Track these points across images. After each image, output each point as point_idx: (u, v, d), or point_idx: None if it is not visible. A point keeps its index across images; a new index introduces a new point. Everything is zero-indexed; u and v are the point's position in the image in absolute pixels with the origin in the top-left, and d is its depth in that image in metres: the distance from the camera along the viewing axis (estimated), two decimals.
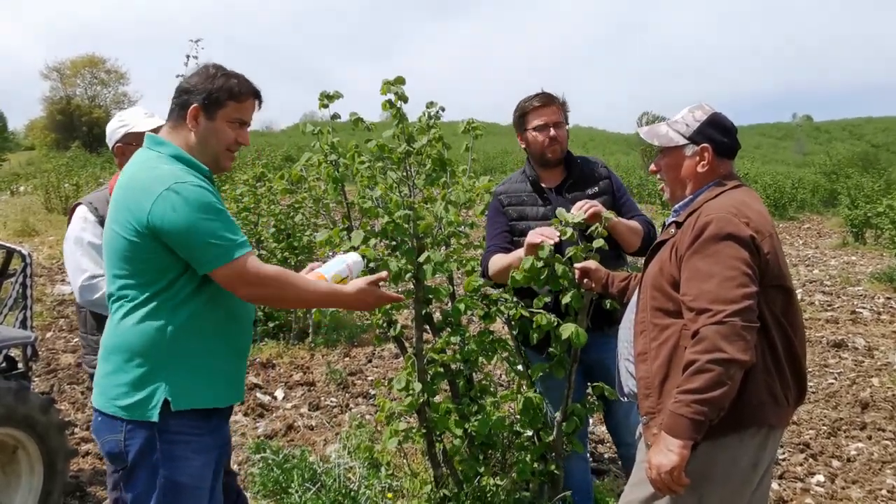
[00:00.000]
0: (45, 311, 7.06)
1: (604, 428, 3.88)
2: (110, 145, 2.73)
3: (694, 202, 2.01)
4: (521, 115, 2.88)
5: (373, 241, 2.72)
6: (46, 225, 12.55)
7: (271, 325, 6.49)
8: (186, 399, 1.85)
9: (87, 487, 3.56)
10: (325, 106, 2.90)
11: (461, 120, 3.16)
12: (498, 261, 2.78)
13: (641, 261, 2.27)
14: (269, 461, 3.48)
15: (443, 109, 2.94)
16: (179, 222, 1.77)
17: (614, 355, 2.27)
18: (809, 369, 5.58)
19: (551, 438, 2.78)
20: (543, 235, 2.46)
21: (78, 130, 38.60)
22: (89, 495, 3.50)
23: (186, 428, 1.86)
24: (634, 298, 2.15)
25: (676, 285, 1.91)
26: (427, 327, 2.90)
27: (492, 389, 3.08)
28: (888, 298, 8.52)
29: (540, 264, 2.45)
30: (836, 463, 4.03)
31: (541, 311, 2.57)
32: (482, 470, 2.91)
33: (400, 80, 2.77)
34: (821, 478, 3.82)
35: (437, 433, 2.89)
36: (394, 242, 2.74)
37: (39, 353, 4.02)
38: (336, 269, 2.09)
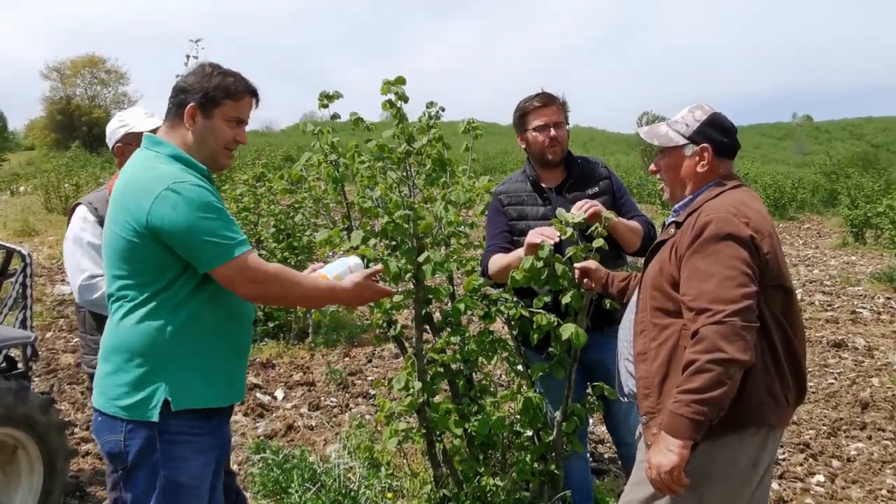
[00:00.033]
0: (45, 311, 7.06)
1: (604, 428, 3.88)
2: (110, 145, 2.73)
3: (694, 202, 2.01)
4: (522, 115, 2.88)
5: (373, 241, 2.72)
6: (46, 225, 12.55)
7: (271, 325, 6.48)
8: (186, 399, 1.85)
9: (87, 487, 3.56)
10: (325, 106, 2.91)
11: (461, 120, 3.16)
12: (498, 260, 2.78)
13: (641, 261, 2.27)
14: (269, 461, 3.48)
15: (443, 109, 2.94)
16: (179, 222, 1.77)
17: (614, 355, 2.27)
18: (809, 369, 5.59)
19: (551, 438, 2.78)
20: (543, 235, 2.46)
21: (78, 130, 38.60)
22: (89, 495, 3.51)
23: (186, 428, 1.86)
24: (634, 298, 2.15)
25: (676, 285, 1.91)
26: (427, 327, 2.90)
27: (492, 389, 3.08)
28: (888, 298, 8.52)
29: (540, 264, 2.45)
30: (836, 463, 4.03)
31: (541, 311, 2.57)
32: (482, 470, 2.91)
33: (400, 80, 2.77)
34: (821, 478, 3.82)
35: (437, 433, 2.89)
36: (394, 242, 2.74)
37: (39, 353, 4.02)
38: (338, 271, 2.10)
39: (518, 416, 2.88)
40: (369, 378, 5.51)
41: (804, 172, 33.16)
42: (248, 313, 2.05)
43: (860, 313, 7.75)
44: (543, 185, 2.90)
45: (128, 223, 1.81)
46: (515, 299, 2.77)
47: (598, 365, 2.78)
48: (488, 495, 2.87)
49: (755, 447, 1.88)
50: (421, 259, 2.62)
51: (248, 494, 3.34)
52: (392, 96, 2.76)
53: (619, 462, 3.38)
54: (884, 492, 3.67)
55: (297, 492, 3.17)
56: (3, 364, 3.04)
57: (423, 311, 2.84)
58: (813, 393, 5.17)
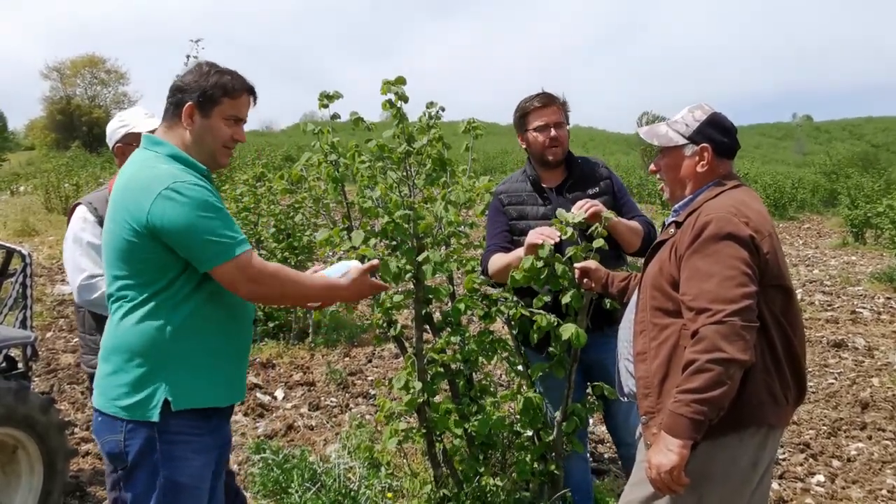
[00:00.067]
0: (45, 311, 7.06)
1: (604, 428, 3.88)
2: (110, 145, 2.73)
3: (693, 202, 2.01)
4: (522, 115, 2.88)
5: (373, 241, 2.72)
6: (46, 225, 12.55)
7: (271, 325, 6.48)
8: (187, 399, 1.85)
9: (87, 487, 3.56)
10: (325, 106, 2.91)
11: (461, 120, 3.16)
12: (498, 260, 2.78)
13: (641, 261, 2.27)
14: (269, 461, 3.47)
15: (443, 109, 2.94)
16: (179, 221, 1.77)
17: (614, 355, 2.27)
18: (809, 369, 5.59)
19: (551, 438, 2.78)
20: (544, 235, 2.46)
21: (78, 130, 38.58)
22: (89, 495, 3.51)
23: (186, 428, 1.86)
24: (634, 298, 2.16)
25: (676, 285, 1.91)
26: (427, 327, 2.90)
27: (492, 389, 3.08)
28: (888, 298, 8.52)
29: (540, 264, 2.45)
30: (836, 463, 4.03)
31: (540, 311, 2.57)
32: (482, 470, 2.91)
33: (400, 80, 2.77)
34: (821, 478, 3.82)
35: (437, 433, 2.89)
36: (394, 242, 2.74)
37: (39, 353, 4.02)
38: (337, 274, 2.11)
39: (518, 416, 2.88)
40: (369, 378, 5.51)
41: (804, 172, 33.17)
42: (248, 313, 2.05)
43: (860, 313, 7.75)
44: (544, 184, 2.90)
45: (127, 223, 1.81)
46: (515, 299, 2.77)
47: (598, 365, 2.78)
48: (488, 495, 2.87)
49: (755, 447, 1.88)
50: (421, 259, 2.62)
51: (248, 494, 3.34)
52: (392, 96, 2.76)
53: (619, 462, 3.38)
54: (884, 492, 3.67)
55: (297, 492, 3.17)
56: (3, 364, 3.04)
57: (423, 311, 2.84)
58: (813, 393, 5.17)
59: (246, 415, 4.65)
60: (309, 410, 4.78)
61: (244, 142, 2.06)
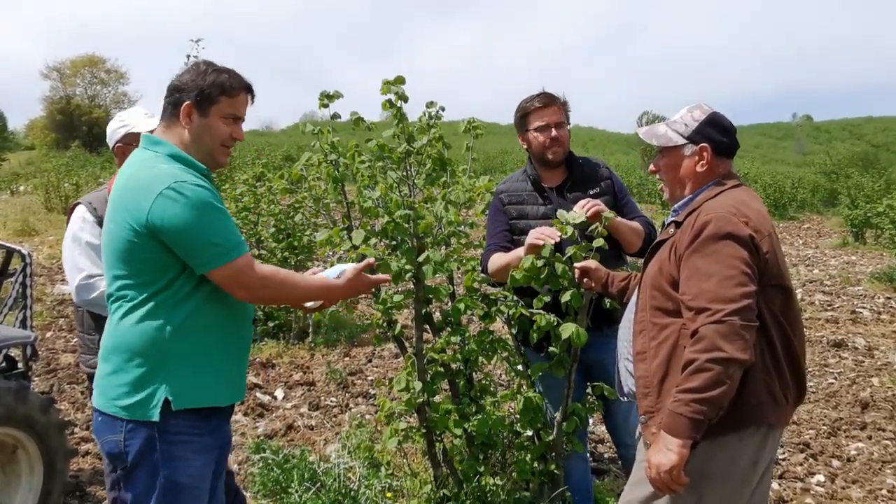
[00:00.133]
0: (45, 310, 7.06)
1: (604, 428, 3.88)
2: (110, 145, 2.73)
3: (693, 202, 2.01)
4: (523, 115, 2.88)
5: (373, 241, 2.72)
6: (46, 225, 12.55)
7: (271, 324, 6.48)
8: (187, 398, 1.85)
9: (86, 487, 3.56)
10: (325, 106, 2.91)
11: (461, 120, 3.16)
12: (498, 259, 2.78)
13: (641, 261, 2.27)
14: (269, 461, 3.47)
15: (443, 109, 2.94)
16: (178, 222, 1.77)
17: (614, 355, 2.27)
18: (809, 369, 5.59)
19: (551, 438, 2.78)
20: (545, 235, 2.46)
21: (78, 130, 38.59)
22: (89, 495, 3.51)
23: (187, 428, 1.86)
24: (634, 298, 2.16)
25: (676, 284, 1.91)
26: (427, 327, 2.90)
27: (492, 389, 3.08)
28: (888, 298, 8.52)
29: (540, 263, 2.45)
30: (836, 463, 4.03)
31: (540, 311, 2.57)
32: (482, 470, 2.91)
33: (400, 80, 2.77)
34: (821, 478, 3.82)
35: (437, 433, 2.89)
36: (394, 242, 2.74)
37: (39, 352, 4.02)
38: (335, 275, 2.11)
39: (518, 416, 2.87)
40: (369, 378, 5.51)
41: (804, 172, 33.18)
42: (248, 313, 2.05)
43: (860, 313, 7.75)
44: (544, 184, 2.90)
45: (127, 223, 1.81)
46: (515, 298, 2.77)
47: (597, 365, 2.78)
48: (488, 495, 2.87)
49: (755, 446, 1.88)
50: (421, 259, 2.62)
51: (247, 494, 3.34)
52: (392, 96, 2.76)
53: (619, 462, 3.38)
54: (884, 492, 3.67)
55: (296, 492, 3.17)
56: (3, 364, 3.04)
57: (423, 311, 2.84)
58: (813, 393, 5.17)
59: (246, 415, 4.65)
60: (309, 410, 4.78)
61: (243, 140, 2.06)
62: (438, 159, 2.92)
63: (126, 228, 1.81)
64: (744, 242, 1.81)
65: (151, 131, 2.10)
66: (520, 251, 2.58)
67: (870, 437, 4.40)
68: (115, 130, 2.69)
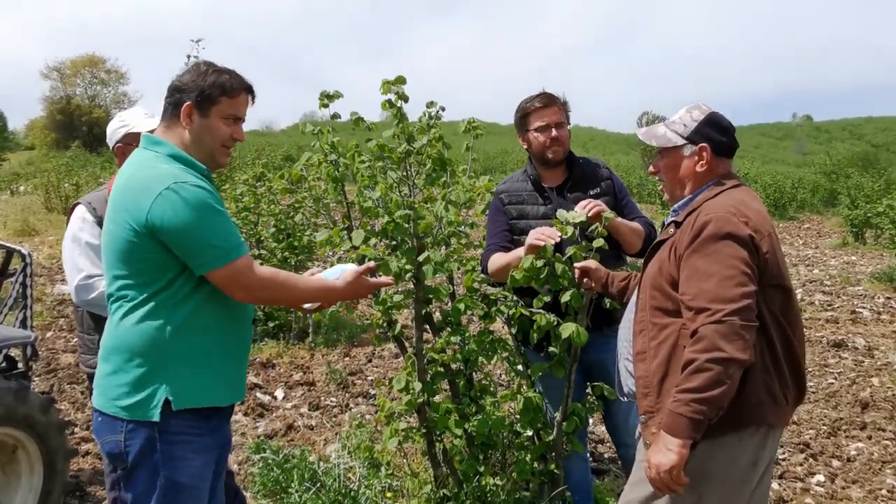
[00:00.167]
0: (45, 310, 7.06)
1: (604, 428, 3.88)
2: (111, 145, 2.73)
3: (693, 201, 2.01)
4: (523, 115, 2.88)
5: (373, 241, 2.72)
6: (46, 225, 12.55)
7: (271, 324, 6.48)
8: (187, 398, 1.85)
9: (87, 487, 3.56)
10: (326, 105, 2.91)
11: (461, 120, 3.16)
12: (498, 259, 2.78)
13: (641, 261, 2.27)
14: (269, 461, 3.47)
15: (443, 109, 2.94)
16: (178, 222, 1.77)
17: (613, 355, 2.27)
18: (809, 369, 5.59)
19: (551, 438, 2.78)
20: (545, 235, 2.46)
21: (78, 130, 38.58)
22: (89, 495, 3.51)
23: (187, 428, 1.86)
24: (634, 298, 2.16)
25: (675, 284, 1.91)
26: (427, 327, 2.90)
27: (492, 389, 3.08)
28: (888, 298, 8.52)
29: (540, 263, 2.45)
30: (836, 463, 4.03)
31: (540, 311, 2.57)
32: (482, 470, 2.91)
33: (400, 80, 2.77)
34: (821, 478, 3.82)
35: (437, 433, 2.89)
36: (394, 242, 2.74)
37: (39, 352, 4.02)
38: (334, 277, 2.11)
39: (518, 416, 2.88)
40: (369, 378, 5.51)
41: (804, 172, 33.18)
42: (248, 313, 2.05)
43: (860, 313, 7.75)
44: (544, 184, 2.90)
45: (127, 223, 1.81)
46: (515, 298, 2.77)
47: (597, 365, 2.78)
48: (488, 495, 2.87)
49: (755, 446, 1.88)
50: (421, 259, 2.62)
51: (247, 494, 3.34)
52: (392, 96, 2.76)
53: (619, 462, 3.38)
54: (884, 492, 3.67)
55: (297, 492, 3.17)
56: (3, 364, 3.04)
57: (423, 311, 2.84)
58: (813, 393, 5.17)
59: (246, 415, 4.66)
60: (309, 410, 4.78)
61: (243, 141, 2.06)
62: (438, 159, 2.92)
63: (126, 228, 1.81)
64: (744, 242, 1.81)
65: (152, 131, 2.10)
66: (520, 251, 2.58)
67: (870, 437, 4.40)
68: (115, 130, 2.69)
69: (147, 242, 1.80)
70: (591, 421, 3.78)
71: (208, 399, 1.90)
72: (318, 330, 6.50)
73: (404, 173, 2.90)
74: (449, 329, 2.88)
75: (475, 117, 3.13)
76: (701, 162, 2.02)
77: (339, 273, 2.13)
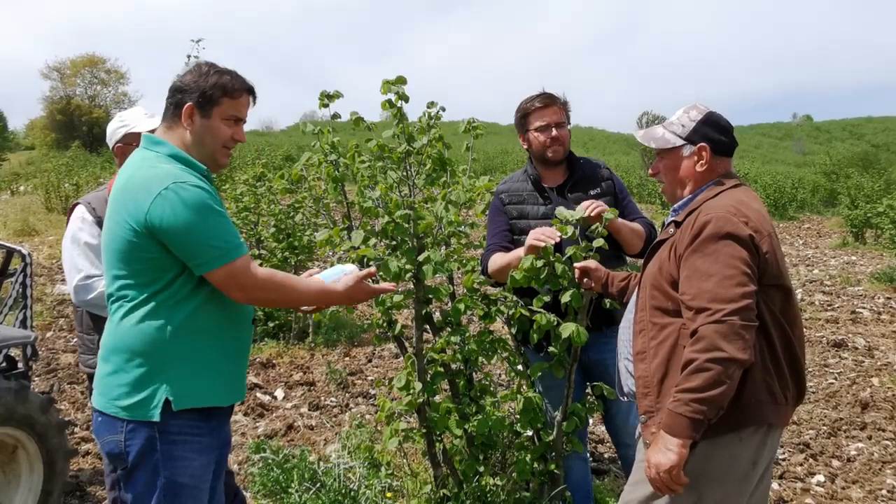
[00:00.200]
0: (45, 310, 7.06)
1: (604, 428, 3.88)
2: (110, 145, 2.73)
3: (693, 201, 2.01)
4: (523, 115, 2.88)
5: (373, 241, 2.72)
6: (46, 225, 12.54)
7: (271, 324, 6.49)
8: (188, 398, 1.85)
9: (86, 487, 3.56)
10: (326, 105, 2.91)
11: (461, 120, 3.16)
12: (498, 259, 2.79)
13: (641, 261, 2.27)
14: (269, 461, 3.48)
15: (443, 109, 2.95)
16: (177, 222, 1.77)
17: (614, 355, 2.27)
18: (809, 369, 5.59)
19: (551, 438, 2.78)
20: (545, 236, 2.46)
21: (78, 130, 38.54)
22: (89, 495, 3.51)
23: (187, 428, 1.86)
24: (634, 298, 2.16)
25: (675, 284, 1.92)
26: (427, 327, 2.90)
27: (492, 389, 3.08)
28: (888, 298, 8.52)
29: (539, 263, 2.45)
30: (836, 463, 4.03)
31: (541, 310, 2.57)
32: (482, 470, 2.91)
33: (401, 80, 2.77)
34: (821, 478, 3.82)
35: (437, 433, 2.89)
36: (394, 242, 2.74)
37: (39, 352, 4.02)
38: (334, 279, 2.10)
39: (518, 416, 2.88)
40: (369, 378, 5.51)
41: (804, 172, 33.20)
42: (248, 313, 2.05)
43: (860, 313, 7.74)
44: (545, 184, 2.90)
45: (127, 223, 1.81)
46: (515, 299, 2.77)
47: (597, 365, 2.78)
48: (488, 495, 2.87)
49: (754, 446, 1.88)
50: (421, 259, 2.62)
51: (247, 494, 3.34)
52: (392, 96, 2.76)
53: (619, 462, 3.38)
54: (884, 492, 3.67)
55: (296, 492, 3.17)
56: (3, 364, 3.04)
57: (423, 311, 2.84)
58: (813, 393, 5.17)
59: (246, 415, 4.66)
60: (309, 410, 4.78)
61: (244, 142, 2.06)
62: (438, 159, 2.92)
63: (126, 228, 1.81)
64: (744, 242, 1.81)
65: (152, 131, 2.10)
66: (520, 251, 2.58)
67: (870, 438, 4.40)
68: (115, 130, 2.69)
69: (147, 242, 1.80)
70: (591, 421, 3.78)
71: (208, 399, 1.90)
72: (318, 330, 6.51)
73: (404, 173, 2.90)
74: (449, 329, 2.88)
75: (475, 117, 3.13)
76: (700, 162, 2.02)
77: (337, 273, 2.12)
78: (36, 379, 5.08)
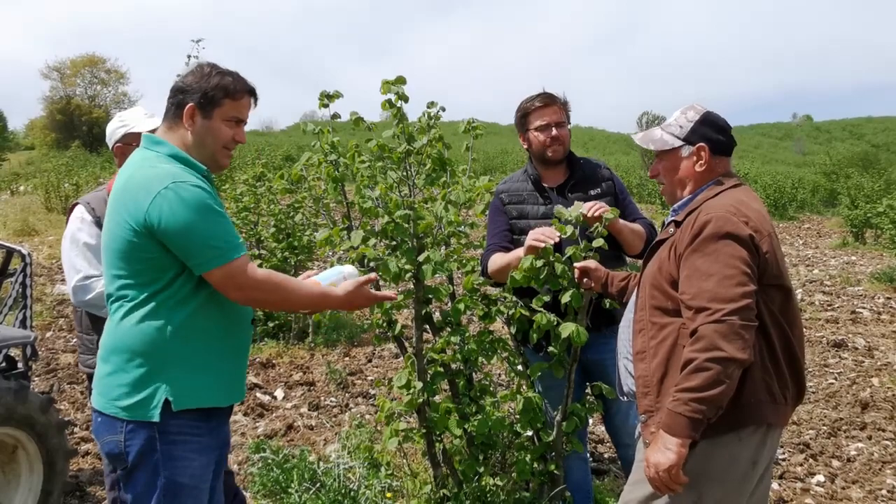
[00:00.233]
0: (45, 310, 7.07)
1: (604, 428, 3.88)
2: (110, 145, 2.73)
3: (693, 201, 2.01)
4: (523, 115, 2.88)
5: (373, 241, 2.72)
6: (46, 225, 12.54)
7: (271, 324, 6.49)
8: (187, 399, 1.85)
9: (86, 487, 3.56)
10: (326, 105, 2.91)
11: (461, 120, 3.16)
12: (497, 259, 2.79)
13: (641, 261, 2.27)
14: (269, 461, 3.48)
15: (443, 109, 2.95)
16: (177, 222, 1.77)
17: (613, 355, 2.27)
18: (809, 369, 5.59)
19: (551, 438, 2.78)
20: (544, 235, 2.46)
21: (78, 130, 38.54)
22: (89, 495, 3.51)
23: (187, 428, 1.86)
24: (634, 297, 2.16)
25: (675, 284, 1.92)
26: (427, 327, 2.90)
27: (492, 389, 3.08)
28: (888, 298, 8.52)
29: (539, 263, 2.45)
30: (836, 463, 4.03)
31: (540, 310, 2.57)
32: (482, 470, 2.91)
33: (400, 80, 2.77)
34: (821, 478, 3.82)
35: (437, 433, 2.89)
36: (394, 242, 2.74)
37: (39, 352, 4.02)
38: (332, 279, 2.10)
39: (518, 417, 2.88)
40: (369, 378, 5.51)
41: (804, 172, 33.21)
42: (248, 313, 2.05)
43: (860, 313, 7.74)
44: (545, 184, 2.90)
45: (126, 222, 1.81)
46: (515, 298, 2.77)
47: (597, 365, 2.78)
48: (488, 495, 2.87)
49: (754, 446, 1.88)
50: (421, 259, 2.62)
51: (247, 494, 3.34)
52: (392, 96, 2.76)
53: (619, 462, 3.38)
54: (884, 492, 3.67)
55: (296, 492, 3.17)
56: (3, 364, 3.04)
57: (423, 311, 2.84)
58: (813, 393, 5.17)
59: (246, 415, 4.66)
60: (309, 410, 4.78)
61: (245, 143, 2.06)
62: (438, 159, 2.92)
63: (125, 228, 1.81)
64: (744, 242, 1.81)
65: (152, 131, 2.10)
66: (520, 251, 2.58)
67: (870, 438, 4.40)
68: (114, 130, 2.70)
69: (146, 242, 1.80)
70: (590, 421, 3.78)
71: (208, 399, 1.90)
72: (318, 330, 6.51)
73: (404, 173, 2.90)
74: (449, 329, 2.88)
75: (475, 117, 3.13)
76: (700, 162, 2.02)
77: (335, 274, 2.11)
78: (36, 379, 5.08)
